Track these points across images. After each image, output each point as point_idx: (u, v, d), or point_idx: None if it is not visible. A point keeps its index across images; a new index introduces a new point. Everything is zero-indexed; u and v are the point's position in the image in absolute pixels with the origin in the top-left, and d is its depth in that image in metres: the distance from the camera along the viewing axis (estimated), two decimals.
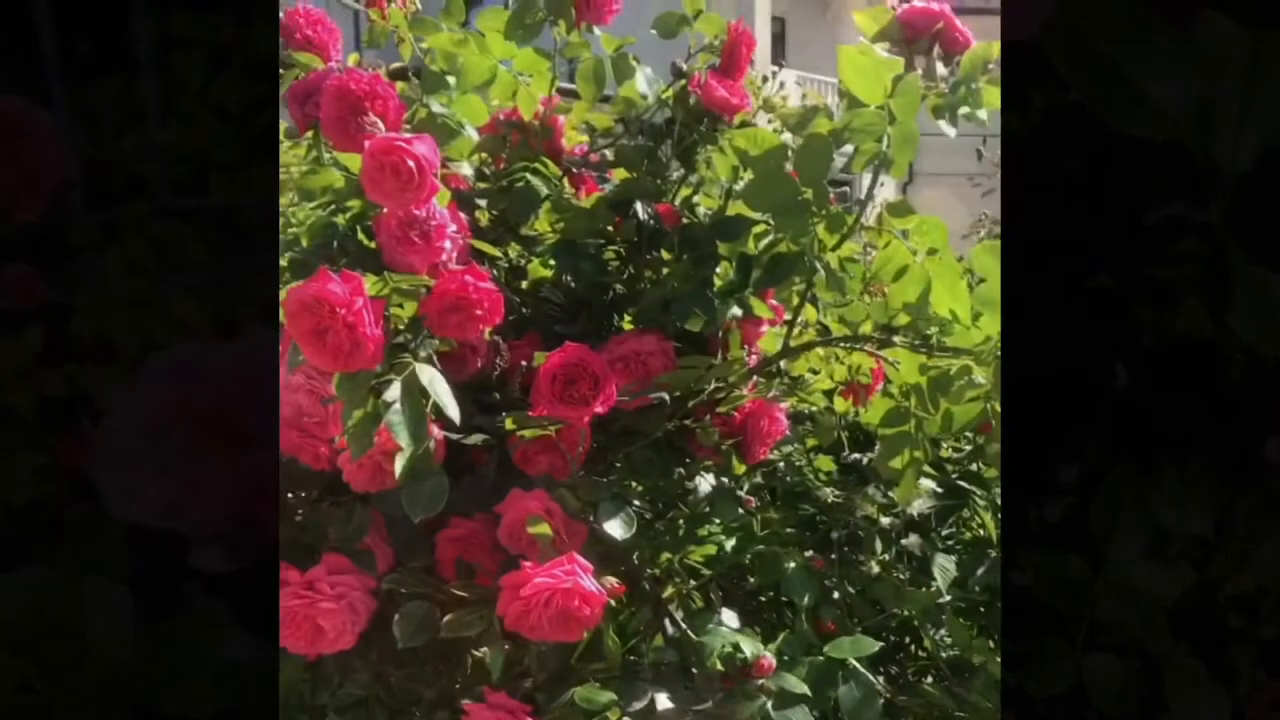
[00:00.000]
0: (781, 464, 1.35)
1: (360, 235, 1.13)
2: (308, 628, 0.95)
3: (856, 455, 1.40)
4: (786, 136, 1.04)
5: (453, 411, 0.89)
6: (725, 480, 1.20)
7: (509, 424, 0.99)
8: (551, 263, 1.18)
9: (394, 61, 1.24)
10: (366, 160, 0.83)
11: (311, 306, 0.82)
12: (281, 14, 1.15)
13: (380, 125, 0.87)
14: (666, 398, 0.98)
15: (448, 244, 0.87)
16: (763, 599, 1.48)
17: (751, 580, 1.37)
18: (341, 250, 1.11)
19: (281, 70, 1.18)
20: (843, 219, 1.02)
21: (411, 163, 0.82)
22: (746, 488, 1.28)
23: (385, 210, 1.01)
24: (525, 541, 1.00)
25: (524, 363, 1.03)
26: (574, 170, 1.15)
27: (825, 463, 1.51)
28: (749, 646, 0.91)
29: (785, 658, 0.95)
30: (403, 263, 0.87)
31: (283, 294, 0.87)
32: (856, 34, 1.02)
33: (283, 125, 1.26)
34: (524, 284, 1.18)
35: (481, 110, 1.09)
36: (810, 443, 1.49)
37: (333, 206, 1.11)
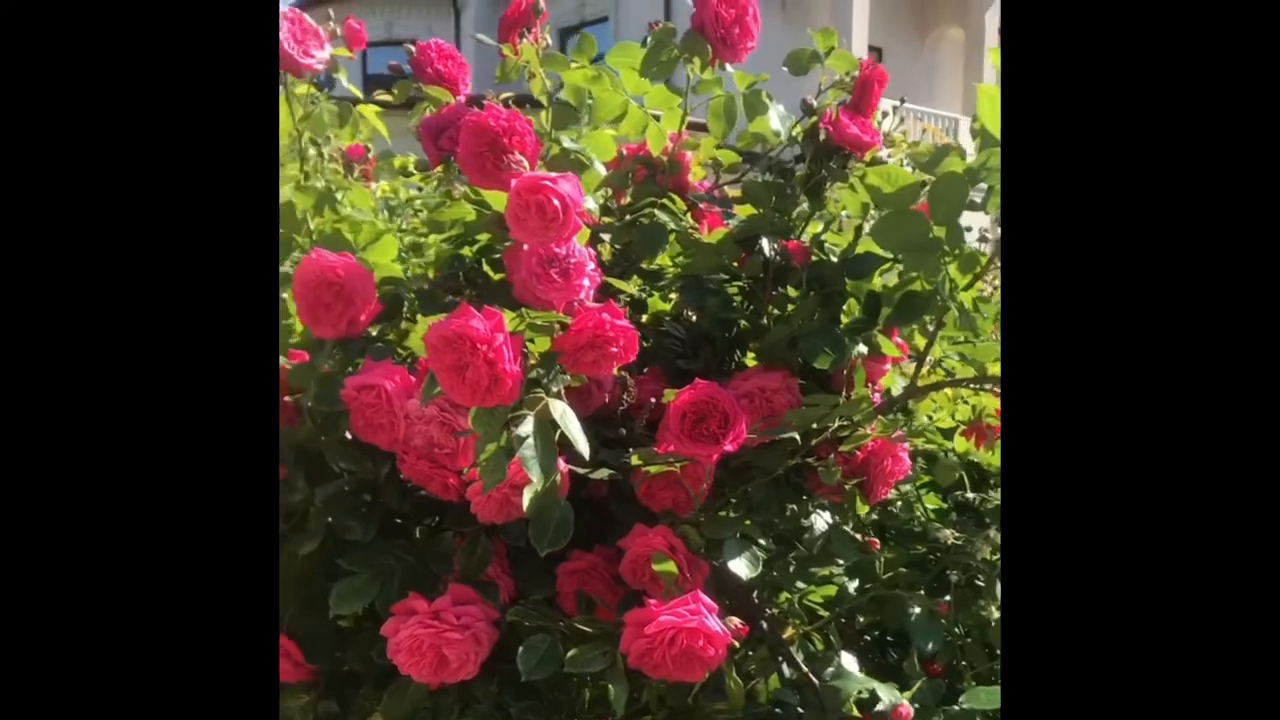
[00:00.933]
0: (899, 503, 1.32)
1: (486, 267, 1.14)
2: (433, 657, 0.96)
3: (972, 495, 1.37)
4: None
5: (583, 446, 0.90)
6: (839, 518, 1.18)
7: (635, 460, 0.98)
8: (672, 296, 1.18)
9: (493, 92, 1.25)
10: (512, 198, 0.84)
11: (453, 342, 0.83)
12: (413, 50, 1.18)
13: (525, 164, 0.87)
14: (798, 437, 0.97)
15: (586, 282, 0.87)
16: (868, 638, 1.46)
17: (861, 619, 1.35)
18: (468, 281, 1.13)
19: (411, 101, 1.20)
20: (975, 258, 1.00)
21: (557, 201, 0.82)
22: (852, 525, 1.27)
23: (514, 244, 1.03)
24: (647, 577, 1.00)
25: (652, 399, 1.03)
26: (697, 205, 1.15)
27: (932, 500, 1.48)
28: (886, 694, 0.89)
29: (918, 706, 0.93)
30: (540, 299, 0.88)
31: (423, 326, 0.89)
32: (953, 64, 1.01)
33: (413, 158, 1.29)
34: (644, 318, 1.19)
35: (610, 145, 1.10)
36: (920, 480, 1.46)
37: (461, 240, 1.12)
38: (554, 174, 0.83)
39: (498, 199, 0.95)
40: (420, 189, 1.78)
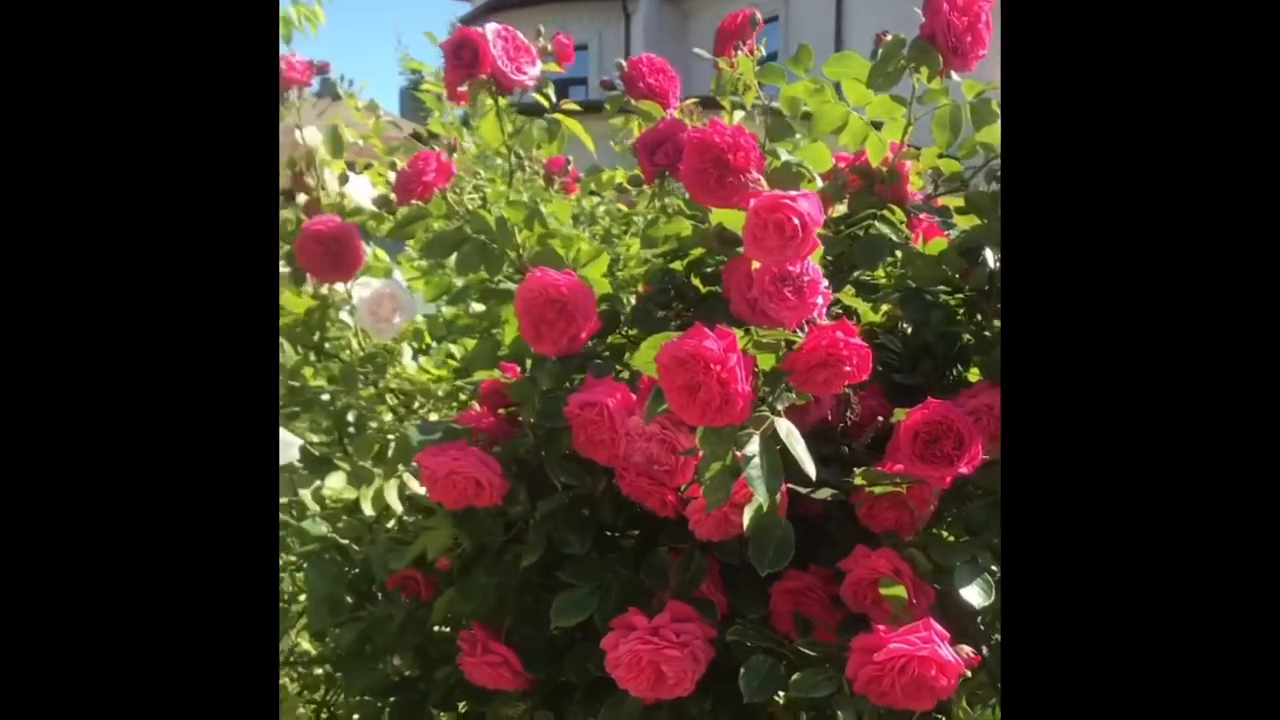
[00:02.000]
0: None
1: (695, 281, 1.14)
2: (650, 673, 0.96)
3: None
4: None
5: (809, 467, 0.88)
6: None
7: (859, 479, 0.96)
8: (883, 308, 1.15)
9: None
10: (751, 217, 0.83)
11: (686, 362, 0.82)
12: (624, 64, 1.18)
13: (763, 183, 0.86)
14: None
15: (820, 299, 0.86)
16: None
17: None
18: (678, 295, 1.13)
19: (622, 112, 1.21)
20: None
21: (796, 220, 0.81)
22: None
23: (733, 259, 1.02)
24: (870, 600, 0.97)
25: (878, 418, 1.00)
26: (914, 216, 1.11)
27: None
28: None
29: None
30: (772, 317, 0.87)
31: (652, 347, 0.88)
32: None
33: (624, 173, 1.30)
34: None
35: (827, 157, 1.08)
36: None
37: (674, 254, 1.12)
38: (793, 193, 0.82)
39: (727, 216, 0.94)
40: (602, 197, 1.80)
